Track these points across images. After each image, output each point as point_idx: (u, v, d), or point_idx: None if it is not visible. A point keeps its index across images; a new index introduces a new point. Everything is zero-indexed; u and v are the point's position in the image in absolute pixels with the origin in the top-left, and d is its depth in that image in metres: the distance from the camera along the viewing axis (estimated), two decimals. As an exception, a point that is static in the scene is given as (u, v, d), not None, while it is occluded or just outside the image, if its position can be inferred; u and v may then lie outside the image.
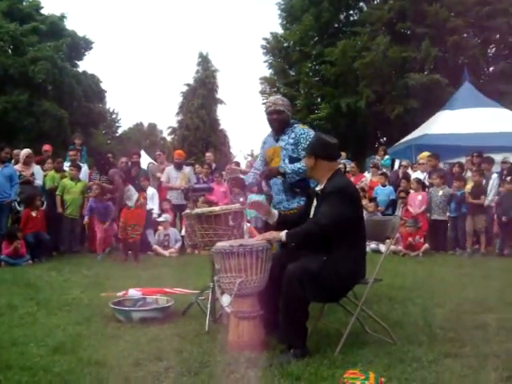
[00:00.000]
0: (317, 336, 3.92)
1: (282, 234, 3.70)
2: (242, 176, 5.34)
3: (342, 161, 13.76)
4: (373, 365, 3.30)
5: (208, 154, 13.28)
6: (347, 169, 12.40)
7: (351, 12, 27.20)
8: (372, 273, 3.90)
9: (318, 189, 3.87)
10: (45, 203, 9.67)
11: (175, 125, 45.56)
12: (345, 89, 23.88)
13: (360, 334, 4.01)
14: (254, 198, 10.46)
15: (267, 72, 28.60)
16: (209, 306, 4.46)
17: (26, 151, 10.17)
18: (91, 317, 4.79)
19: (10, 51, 29.09)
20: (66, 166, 10.78)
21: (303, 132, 4.63)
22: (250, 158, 23.89)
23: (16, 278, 7.17)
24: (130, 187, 8.51)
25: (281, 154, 4.70)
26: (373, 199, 10.79)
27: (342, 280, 3.60)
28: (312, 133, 4.66)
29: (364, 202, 10.61)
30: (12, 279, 7.05)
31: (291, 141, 4.64)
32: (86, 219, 9.86)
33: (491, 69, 24.87)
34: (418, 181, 10.49)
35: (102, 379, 3.19)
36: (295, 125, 4.74)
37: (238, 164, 12.67)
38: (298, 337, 3.53)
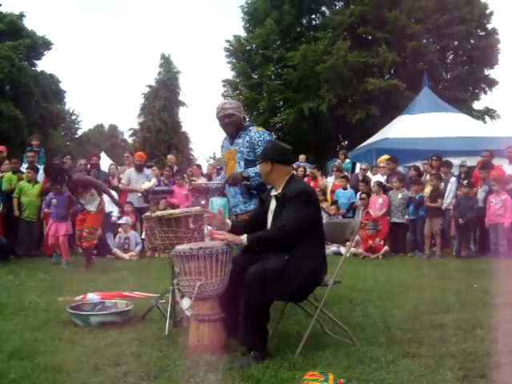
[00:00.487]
0: (277, 338, 3.93)
1: (243, 238, 3.69)
2: (204, 184, 5.33)
3: (302, 164, 13.90)
4: (332, 366, 3.34)
5: (170, 157, 13.20)
6: (307, 172, 12.50)
7: (313, 16, 27.44)
8: (332, 275, 3.94)
9: (274, 193, 3.89)
10: (1, 205, 9.43)
11: (136, 126, 45.18)
12: (307, 93, 24.06)
13: (320, 335, 4.04)
14: (216, 200, 10.49)
15: (230, 74, 28.62)
16: (169, 309, 4.43)
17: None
18: (48, 322, 4.71)
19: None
20: (24, 168, 10.54)
21: (259, 134, 4.63)
22: (211, 161, 23.85)
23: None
24: (93, 191, 8.25)
25: (236, 157, 4.70)
26: (334, 202, 10.90)
27: (305, 279, 3.62)
28: (267, 135, 4.69)
29: (325, 204, 10.73)
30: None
31: (246, 144, 4.64)
32: (43, 212, 9.62)
33: (449, 75, 25.47)
34: (379, 184, 10.64)
35: (58, 385, 3.13)
36: (250, 127, 4.74)
37: (199, 167, 12.62)
38: (258, 339, 3.53)
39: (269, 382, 3.13)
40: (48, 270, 7.95)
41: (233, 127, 4.72)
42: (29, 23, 33.42)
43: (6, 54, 27.71)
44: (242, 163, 4.63)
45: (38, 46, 31.87)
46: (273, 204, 3.88)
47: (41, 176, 10.54)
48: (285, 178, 3.84)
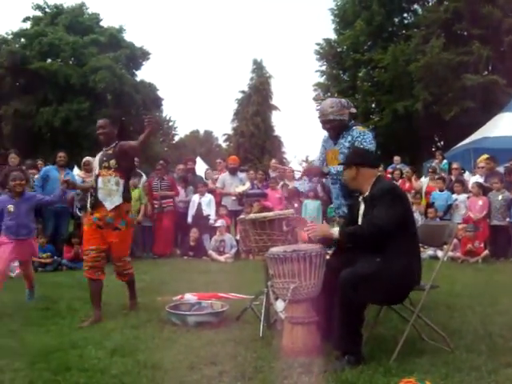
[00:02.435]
0: (372, 343, 3.85)
1: (335, 231, 3.70)
2: (294, 186, 5.37)
3: (398, 166, 13.55)
4: (429, 374, 3.23)
5: (274, 161, 13.18)
6: (403, 174, 12.18)
7: (405, 15, 26.77)
8: (429, 279, 3.82)
9: (361, 198, 3.84)
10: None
11: (230, 132, 46.02)
12: (400, 93, 23.49)
13: (416, 341, 3.92)
14: (310, 204, 10.47)
15: (321, 78, 28.47)
16: (263, 311, 4.47)
17: (86, 159, 10.46)
18: (148, 320, 4.88)
19: (70, 62, 30.20)
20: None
21: (359, 134, 4.61)
22: (304, 164, 23.82)
23: (76, 281, 7.36)
24: None
25: (339, 157, 4.68)
26: (430, 204, 10.54)
27: (398, 279, 3.53)
28: (368, 134, 4.64)
29: (421, 207, 10.40)
30: (72, 283, 7.26)
31: (347, 144, 4.62)
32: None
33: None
34: (479, 185, 10.15)
35: (157, 382, 3.26)
36: (353, 127, 4.71)
37: (292, 170, 12.62)
38: (352, 343, 3.48)
39: (363, 387, 3.08)
40: (148, 271, 8.26)
41: (334, 131, 4.75)
42: (128, 36, 34.96)
43: (107, 65, 29.24)
44: None
45: (137, 57, 33.31)
46: (362, 208, 3.83)
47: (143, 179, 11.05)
48: (371, 181, 3.80)
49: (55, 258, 8.98)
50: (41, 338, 4.34)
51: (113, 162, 5.09)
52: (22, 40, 30.71)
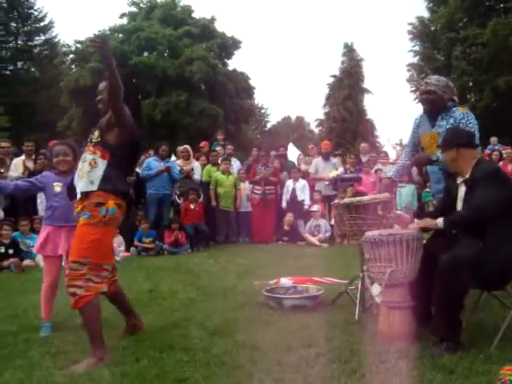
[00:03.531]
0: (471, 329, 3.75)
1: (439, 221, 3.63)
2: (388, 176, 5.17)
3: (496, 147, 12.90)
4: (533, 362, 3.10)
5: (363, 145, 12.99)
6: (503, 155, 11.59)
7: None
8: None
9: (460, 180, 3.72)
10: (202, 196, 10.22)
11: (322, 117, 45.58)
12: (500, 69, 22.23)
13: (518, 329, 3.77)
14: (404, 190, 10.23)
15: (414, 58, 27.55)
16: (358, 295, 4.47)
17: (183, 148, 10.83)
18: (245, 303, 5.00)
19: (165, 55, 31.16)
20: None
21: (463, 116, 4.36)
22: (398, 148, 23.22)
23: (177, 265, 7.72)
24: None
25: (439, 141, 4.50)
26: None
27: (502, 265, 3.41)
28: (472, 116, 4.41)
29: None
30: (173, 266, 7.61)
31: (450, 126, 4.36)
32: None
33: None
34: None
35: (256, 362, 3.34)
36: (453, 108, 4.45)
37: (386, 154, 12.39)
38: (451, 329, 3.41)
39: (462, 374, 3.01)
40: (245, 255, 8.46)
41: (430, 105, 4.50)
42: (219, 25, 35.39)
43: (201, 55, 29.90)
44: None
45: (229, 46, 33.74)
46: (462, 190, 3.71)
47: (235, 168, 11.27)
48: (472, 162, 3.67)
49: (157, 242, 9.40)
50: (145, 318, 4.54)
51: (96, 133, 3.73)
52: (120, 35, 31.99)
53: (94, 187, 3.55)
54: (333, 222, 9.39)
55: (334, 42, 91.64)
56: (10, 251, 7.89)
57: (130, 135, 3.68)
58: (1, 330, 4.30)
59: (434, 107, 4.51)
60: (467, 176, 3.66)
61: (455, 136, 3.81)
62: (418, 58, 27.11)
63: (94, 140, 3.68)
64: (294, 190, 10.71)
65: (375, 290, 3.88)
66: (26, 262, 7.95)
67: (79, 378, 3.14)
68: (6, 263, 7.67)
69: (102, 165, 3.59)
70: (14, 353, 3.71)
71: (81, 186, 3.61)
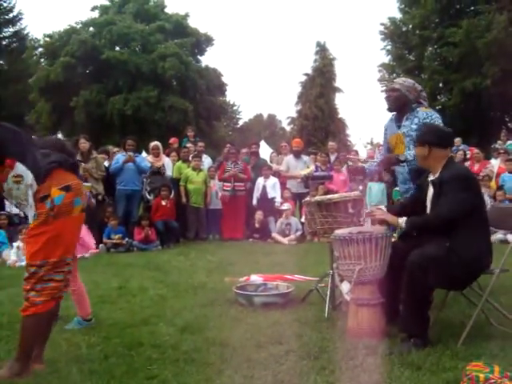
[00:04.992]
0: (438, 326, 3.81)
1: (402, 221, 3.68)
2: (362, 164, 5.28)
3: (460, 147, 13.13)
4: (498, 358, 3.16)
5: (331, 144, 13.07)
6: (467, 155, 11.81)
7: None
8: (498, 263, 3.73)
9: (431, 178, 3.77)
10: (173, 192, 10.16)
11: (294, 115, 45.83)
12: (468, 71, 22.65)
13: (484, 326, 3.84)
14: (374, 186, 10.36)
15: (386, 58, 27.87)
16: (328, 292, 4.49)
17: (154, 143, 10.75)
18: (215, 300, 5.00)
19: (137, 50, 30.89)
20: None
21: (426, 116, 4.48)
22: (369, 147, 23.48)
23: (147, 262, 7.66)
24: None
25: (404, 141, 4.58)
26: (500, 187, 10.18)
27: (466, 267, 3.46)
28: (436, 115, 4.51)
29: (489, 190, 10.07)
30: (143, 263, 7.54)
31: (414, 126, 4.49)
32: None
33: None
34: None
35: (226, 359, 3.34)
36: (417, 109, 4.57)
37: (356, 152, 12.52)
38: (419, 326, 3.47)
39: (430, 369, 3.06)
40: (215, 252, 8.45)
41: (394, 103, 4.61)
42: (192, 22, 35.30)
43: (173, 51, 29.73)
44: (412, 147, 4.46)
45: (201, 43, 33.64)
46: (430, 191, 3.76)
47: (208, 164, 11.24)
48: (442, 162, 3.70)
49: (127, 239, 9.32)
50: (114, 314, 4.54)
51: None
52: (91, 29, 31.59)
53: (31, 182, 3.11)
54: (303, 220, 9.43)
55: (306, 41, 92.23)
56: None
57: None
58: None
59: (396, 105, 4.60)
60: (436, 176, 3.71)
61: (428, 134, 3.82)
62: (389, 58, 27.43)
63: None
64: (264, 188, 10.72)
65: (345, 287, 3.93)
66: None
67: (47, 376, 3.09)
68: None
69: (18, 170, 3.11)
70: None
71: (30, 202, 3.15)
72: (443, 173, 3.65)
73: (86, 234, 5.04)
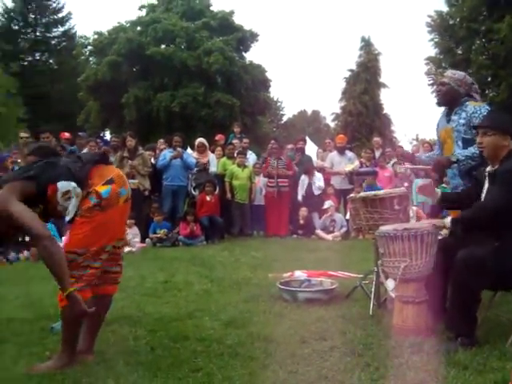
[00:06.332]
0: (486, 326, 3.72)
1: (447, 221, 3.62)
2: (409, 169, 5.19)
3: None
4: (548, 359, 3.08)
5: (376, 139, 12.91)
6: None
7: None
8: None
9: (489, 169, 3.66)
10: (217, 188, 10.25)
11: (338, 111, 45.41)
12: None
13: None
14: (420, 181, 10.18)
15: (432, 51, 27.26)
16: (373, 289, 4.46)
17: (199, 141, 10.87)
18: (259, 295, 5.01)
19: (183, 47, 31.22)
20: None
21: (475, 110, 4.33)
22: (415, 143, 23.06)
23: (192, 257, 7.77)
24: None
25: (453, 136, 4.48)
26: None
27: None
28: (485, 107, 4.37)
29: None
30: (188, 258, 7.65)
31: (462, 121, 4.37)
32: None
33: None
34: None
35: (270, 353, 3.35)
36: (466, 103, 4.43)
37: (402, 148, 12.33)
38: (466, 325, 3.39)
39: (477, 369, 2.99)
40: (259, 248, 8.48)
41: (443, 98, 4.50)
42: (237, 19, 35.29)
43: (218, 46, 29.93)
44: (460, 143, 4.38)
45: (246, 39, 33.71)
46: (487, 183, 3.65)
47: (253, 160, 11.29)
48: (504, 153, 3.54)
49: (173, 232, 9.46)
50: (160, 308, 4.62)
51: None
52: (138, 28, 32.06)
53: (79, 190, 3.17)
54: (348, 217, 9.37)
55: (351, 36, 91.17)
56: (27, 238, 7.99)
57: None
58: (17, 317, 4.36)
59: (446, 100, 4.50)
60: (496, 167, 3.58)
61: (508, 122, 3.62)
62: (436, 51, 26.80)
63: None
64: (309, 184, 10.69)
65: (390, 284, 3.88)
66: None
67: (95, 367, 3.17)
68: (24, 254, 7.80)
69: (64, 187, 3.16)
70: (29, 340, 3.75)
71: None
72: (502, 165, 3.53)
73: None
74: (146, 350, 3.50)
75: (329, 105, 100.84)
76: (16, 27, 36.59)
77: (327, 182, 10.93)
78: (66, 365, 3.17)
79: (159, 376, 3.00)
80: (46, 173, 3.18)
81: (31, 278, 6.20)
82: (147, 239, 9.35)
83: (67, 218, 3.17)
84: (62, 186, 3.14)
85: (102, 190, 3.17)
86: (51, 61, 38.14)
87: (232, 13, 33.70)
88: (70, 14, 37.83)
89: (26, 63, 36.41)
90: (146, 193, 9.82)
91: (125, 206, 3.34)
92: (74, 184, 3.15)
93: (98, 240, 3.17)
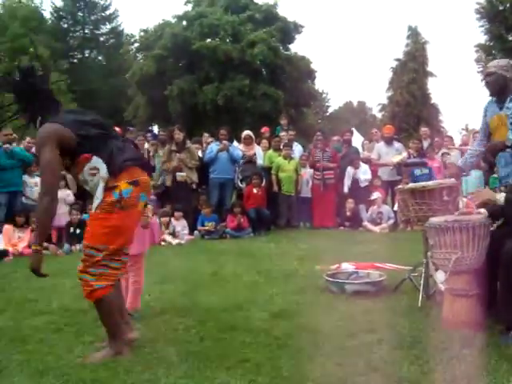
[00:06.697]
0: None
1: (499, 197, 3.56)
2: (457, 164, 5.03)
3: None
4: None
5: (424, 129, 12.65)
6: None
7: None
8: None
9: None
10: (264, 181, 10.28)
11: (385, 101, 44.75)
12: None
13: None
14: (470, 173, 9.94)
15: (482, 38, 26.49)
16: (422, 282, 4.41)
17: (246, 133, 10.93)
18: (307, 287, 5.03)
19: (228, 41, 31.35)
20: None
21: None
22: (464, 133, 22.50)
23: (239, 249, 7.84)
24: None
25: (507, 123, 4.36)
26: None
27: None
28: None
29: None
30: (236, 250, 7.74)
31: None
32: None
33: None
34: None
35: (318, 345, 3.36)
36: None
37: (451, 138, 12.05)
38: (518, 318, 3.33)
39: (530, 363, 2.94)
40: (306, 240, 8.48)
41: (494, 87, 4.36)
42: (281, 10, 35.16)
43: (262, 38, 29.94)
44: None
45: (290, 31, 33.57)
46: None
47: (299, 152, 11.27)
48: None
49: (221, 225, 9.59)
50: (209, 299, 4.69)
51: None
52: (184, 23, 32.36)
53: (105, 175, 3.24)
54: (396, 208, 9.25)
55: (397, 25, 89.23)
56: (77, 231, 8.34)
57: (78, 133, 3.24)
58: (72, 307, 4.50)
59: (497, 89, 4.36)
60: None
61: None
62: (486, 37, 26.06)
63: None
64: (355, 175, 10.60)
65: (440, 277, 3.83)
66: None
67: (146, 356, 3.26)
68: (77, 247, 8.05)
69: (98, 163, 3.27)
70: (83, 330, 3.87)
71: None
72: None
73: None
74: (195, 340, 3.57)
75: (375, 95, 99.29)
76: (65, 25, 37.59)
77: (374, 173, 10.80)
78: (117, 353, 3.29)
79: (208, 366, 3.06)
80: (95, 142, 3.28)
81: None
82: (195, 231, 9.49)
83: (95, 204, 3.27)
84: (96, 161, 3.26)
85: (124, 188, 3.23)
86: (100, 57, 38.99)
87: (276, 5, 33.62)
88: (116, 11, 38.56)
89: (75, 60, 37.32)
90: (194, 186, 9.95)
91: (142, 212, 3.52)
92: (105, 169, 3.24)
93: (116, 239, 3.23)
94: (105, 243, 3.19)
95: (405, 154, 10.73)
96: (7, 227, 8.20)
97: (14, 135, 8.76)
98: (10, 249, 7.88)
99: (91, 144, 3.27)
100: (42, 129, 3.23)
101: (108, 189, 3.23)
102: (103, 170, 3.24)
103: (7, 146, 8.55)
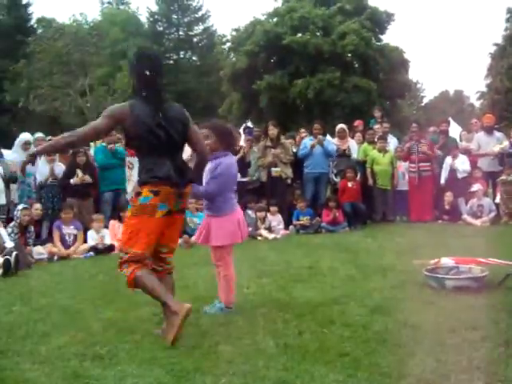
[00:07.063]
0: None
1: None
2: None
3: None
4: None
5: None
6: None
7: None
8: None
9: None
10: (358, 174, 10.20)
11: (484, 89, 42.72)
12: None
13: None
14: None
15: None
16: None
17: (339, 127, 10.87)
18: (405, 282, 4.97)
19: (318, 34, 31.20)
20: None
21: None
22: None
23: (335, 243, 7.85)
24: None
25: None
26: None
27: None
28: None
29: None
30: (332, 244, 7.76)
31: None
32: None
33: None
34: None
35: (418, 341, 3.32)
36: None
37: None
38: None
39: None
40: (403, 234, 8.34)
41: None
42: (371, 0, 34.47)
43: (352, 29, 29.54)
44: None
45: (382, 21, 32.87)
46: None
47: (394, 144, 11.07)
48: None
49: (316, 219, 9.59)
50: (306, 293, 4.75)
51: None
52: (275, 19, 32.55)
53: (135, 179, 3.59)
54: (498, 200, 8.86)
55: (495, 8, 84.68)
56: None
57: (134, 128, 3.54)
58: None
59: None
60: None
61: None
62: None
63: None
64: (453, 166, 10.24)
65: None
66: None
67: (245, 347, 3.36)
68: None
69: (135, 162, 3.77)
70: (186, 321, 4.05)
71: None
72: None
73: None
74: (294, 333, 3.63)
75: (473, 83, 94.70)
76: (161, 28, 39.03)
77: (473, 164, 10.37)
78: (176, 312, 3.41)
79: (307, 359, 3.11)
80: (144, 146, 3.59)
81: (185, 263, 6.60)
82: (291, 226, 9.58)
83: (128, 190, 3.70)
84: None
85: (143, 196, 3.52)
86: (194, 58, 40.13)
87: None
88: (208, 11, 39.50)
89: (171, 62, 38.62)
90: (289, 181, 10.04)
91: (167, 220, 3.62)
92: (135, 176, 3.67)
93: (136, 243, 3.52)
94: (129, 247, 3.54)
95: (506, 144, 10.24)
96: (113, 223, 8.63)
97: (118, 135, 9.20)
98: (116, 243, 8.32)
99: (140, 145, 3.62)
100: (119, 104, 3.72)
101: (136, 193, 3.62)
102: (135, 173, 3.63)
103: (111, 146, 9.01)
